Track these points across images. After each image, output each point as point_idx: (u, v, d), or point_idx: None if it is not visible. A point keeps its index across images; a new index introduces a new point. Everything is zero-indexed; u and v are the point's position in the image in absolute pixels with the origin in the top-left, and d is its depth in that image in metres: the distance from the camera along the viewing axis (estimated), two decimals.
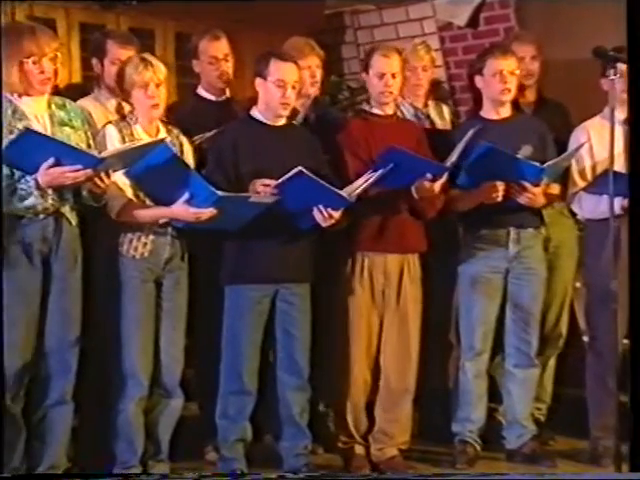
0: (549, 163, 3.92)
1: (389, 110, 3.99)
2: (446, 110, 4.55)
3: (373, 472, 3.99)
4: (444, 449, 4.16)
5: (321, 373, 4.00)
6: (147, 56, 3.72)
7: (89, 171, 3.39)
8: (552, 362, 4.31)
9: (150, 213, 3.66)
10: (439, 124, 4.45)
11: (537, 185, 3.94)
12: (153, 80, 3.64)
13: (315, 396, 3.98)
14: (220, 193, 3.52)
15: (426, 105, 4.46)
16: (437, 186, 3.85)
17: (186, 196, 3.55)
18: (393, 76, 3.91)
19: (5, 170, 3.43)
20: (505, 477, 3.88)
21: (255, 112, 3.85)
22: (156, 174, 3.53)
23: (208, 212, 3.56)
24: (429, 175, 3.81)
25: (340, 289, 3.94)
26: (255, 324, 3.80)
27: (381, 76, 3.91)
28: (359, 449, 4.03)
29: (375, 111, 3.98)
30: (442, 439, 4.18)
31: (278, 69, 3.75)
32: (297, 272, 3.81)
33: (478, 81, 4.08)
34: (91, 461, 3.76)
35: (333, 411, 4.13)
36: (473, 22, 5.47)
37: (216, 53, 4.16)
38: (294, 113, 3.95)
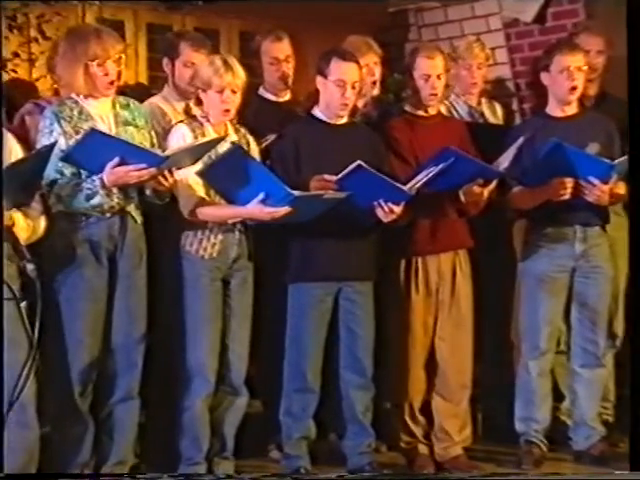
0: (620, 160, 3.85)
1: (432, 111, 3.97)
2: (499, 108, 4.52)
3: (437, 471, 3.97)
4: (509, 449, 4.13)
5: (385, 372, 4.00)
6: (230, 59, 3.70)
7: (153, 170, 3.43)
8: (609, 360, 4.23)
9: (224, 212, 3.67)
10: (492, 122, 4.42)
11: (606, 183, 3.88)
12: (231, 86, 3.63)
13: (379, 394, 3.97)
14: (296, 193, 3.53)
15: (479, 103, 4.43)
16: (486, 192, 3.84)
17: (261, 196, 3.55)
18: (438, 77, 3.89)
19: (71, 169, 3.49)
20: (570, 478, 3.84)
21: (316, 111, 3.85)
22: (231, 177, 3.55)
23: (283, 210, 3.55)
24: (480, 180, 3.79)
25: (396, 290, 3.93)
26: (318, 322, 3.81)
27: (427, 78, 3.88)
28: (423, 448, 4.02)
29: (419, 113, 3.96)
30: (506, 439, 4.14)
31: (339, 68, 3.74)
32: (360, 270, 3.81)
33: (544, 78, 4.03)
34: (157, 457, 3.80)
35: (396, 411, 4.12)
36: (540, 18, 5.40)
37: (278, 54, 4.18)
38: (355, 111, 3.94)
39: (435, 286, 3.95)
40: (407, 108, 4.00)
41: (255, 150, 3.80)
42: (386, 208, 3.68)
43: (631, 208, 3.48)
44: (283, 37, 4.19)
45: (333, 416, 3.96)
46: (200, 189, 3.64)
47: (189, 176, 3.59)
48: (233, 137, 3.73)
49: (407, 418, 3.99)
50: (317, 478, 3.79)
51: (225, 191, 3.63)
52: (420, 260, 3.94)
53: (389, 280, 3.93)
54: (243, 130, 3.79)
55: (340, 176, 3.62)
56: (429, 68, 3.88)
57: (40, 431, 3.38)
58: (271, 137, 3.89)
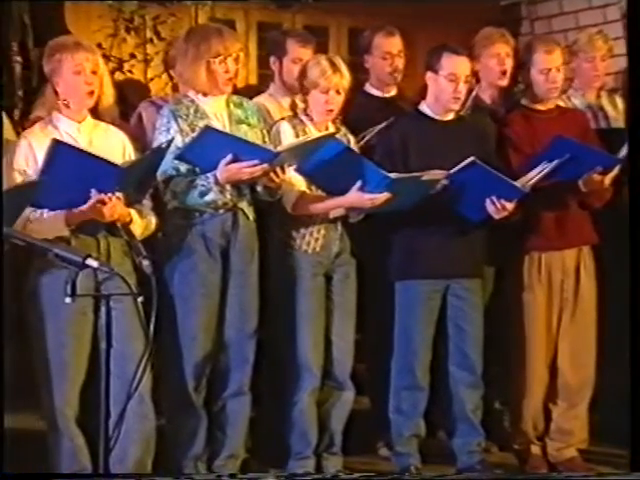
0: None
1: (550, 104, 3.92)
2: (619, 101, 4.39)
3: (551, 472, 3.90)
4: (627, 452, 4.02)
5: (497, 371, 3.94)
6: (336, 60, 3.72)
7: (265, 166, 3.45)
8: None
9: (325, 205, 3.68)
10: (612, 115, 4.31)
11: None
12: (337, 87, 3.65)
13: (490, 394, 3.93)
14: (393, 176, 3.51)
15: (599, 96, 4.33)
16: (607, 179, 3.74)
17: (359, 183, 3.56)
18: (558, 70, 3.85)
19: (186, 166, 3.54)
20: None
21: (424, 107, 3.84)
22: (328, 168, 3.55)
23: (383, 196, 3.55)
24: (599, 167, 3.70)
25: (516, 286, 3.88)
26: (427, 319, 3.79)
27: (547, 72, 3.85)
28: (535, 449, 3.95)
29: (536, 106, 3.91)
30: (624, 442, 4.03)
31: (450, 63, 3.73)
32: (468, 267, 3.78)
33: None
34: (268, 452, 3.83)
35: (509, 410, 4.06)
36: None
37: (390, 49, 4.17)
38: (464, 104, 3.90)
39: (559, 284, 3.89)
40: (524, 102, 3.96)
41: (355, 149, 3.78)
42: (498, 205, 3.64)
43: (631, 208, 3.36)
44: (395, 32, 4.20)
45: (442, 414, 3.93)
46: (302, 183, 3.67)
47: (290, 171, 3.61)
48: (335, 132, 3.72)
49: (526, 419, 3.93)
50: (425, 477, 3.76)
51: (323, 184, 3.64)
52: (544, 255, 3.88)
53: (511, 276, 3.89)
54: (344, 129, 3.80)
55: (453, 171, 3.60)
56: (549, 62, 3.85)
57: (156, 423, 3.45)
58: (374, 129, 3.88)
